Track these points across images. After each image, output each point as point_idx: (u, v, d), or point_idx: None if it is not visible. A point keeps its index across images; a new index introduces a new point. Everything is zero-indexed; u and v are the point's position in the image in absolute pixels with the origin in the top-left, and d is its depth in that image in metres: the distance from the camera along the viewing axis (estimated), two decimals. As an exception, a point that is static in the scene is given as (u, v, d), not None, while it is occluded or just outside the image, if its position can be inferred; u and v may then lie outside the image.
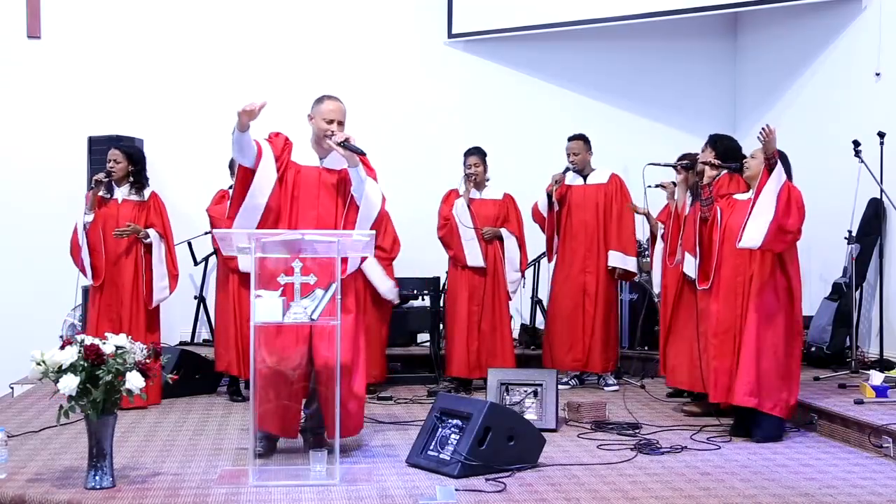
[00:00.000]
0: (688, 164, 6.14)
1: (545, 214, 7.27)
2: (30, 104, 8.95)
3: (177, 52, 9.14)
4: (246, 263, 6.42)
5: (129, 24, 9.10)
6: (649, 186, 6.34)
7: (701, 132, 6.81)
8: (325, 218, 4.86)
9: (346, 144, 4.74)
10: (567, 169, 7.26)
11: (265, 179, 4.80)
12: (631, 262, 7.23)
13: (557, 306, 7.33)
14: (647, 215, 6.80)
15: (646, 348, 8.14)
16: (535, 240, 7.54)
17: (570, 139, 7.33)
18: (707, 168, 5.63)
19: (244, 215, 4.80)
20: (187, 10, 9.22)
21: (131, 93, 9.03)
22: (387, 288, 7.01)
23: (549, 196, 7.22)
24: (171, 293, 6.62)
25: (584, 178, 7.34)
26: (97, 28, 9.05)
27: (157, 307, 6.59)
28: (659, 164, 6.23)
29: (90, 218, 6.38)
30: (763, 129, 5.09)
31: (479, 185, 7.16)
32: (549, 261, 7.43)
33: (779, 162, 5.09)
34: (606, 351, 7.23)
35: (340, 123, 4.88)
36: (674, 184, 6.57)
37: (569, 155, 7.29)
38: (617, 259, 7.20)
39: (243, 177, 4.82)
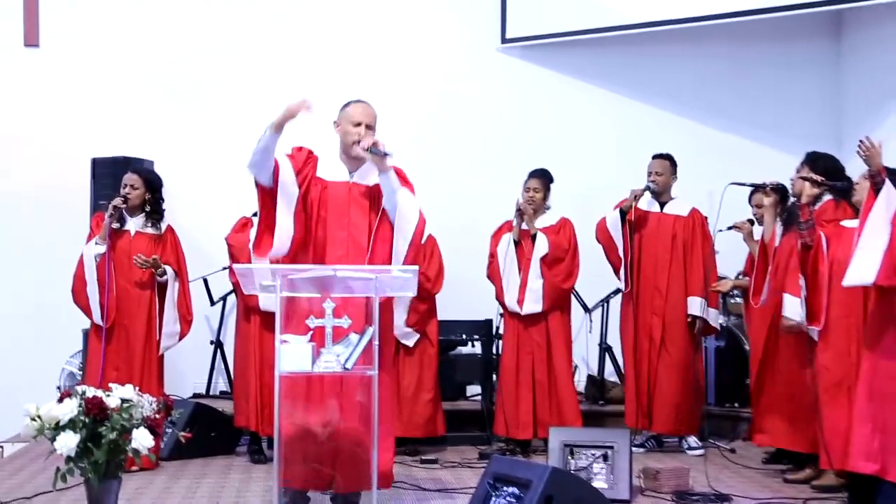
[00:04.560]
0: (780, 186, 6.08)
1: (614, 234, 7.21)
2: (25, 121, 9.09)
3: (191, 62, 9.26)
4: (268, 300, 6.47)
5: (136, 31, 9.25)
6: (720, 230, 6.30)
7: (797, 151, 6.74)
8: (356, 240, 4.89)
9: (373, 150, 4.79)
10: (647, 188, 7.21)
11: (287, 197, 4.85)
12: (713, 314, 7.17)
13: (624, 352, 7.30)
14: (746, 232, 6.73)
15: (735, 405, 8.03)
16: (604, 272, 7.48)
17: (654, 157, 7.30)
18: (806, 185, 5.54)
19: (277, 246, 4.85)
20: (203, 15, 9.34)
21: (140, 109, 9.16)
22: (399, 322, 6.88)
23: (623, 213, 7.17)
24: (180, 340, 6.68)
25: (662, 205, 7.29)
26: (101, 36, 9.20)
27: (162, 356, 6.65)
28: (744, 185, 6.17)
29: (102, 249, 6.43)
30: (862, 142, 4.92)
31: (537, 212, 7.14)
32: (626, 287, 7.30)
33: (887, 181, 4.90)
34: (677, 408, 7.13)
35: (369, 127, 4.92)
36: (751, 222, 6.53)
37: (650, 174, 7.25)
38: (697, 307, 7.12)
39: (262, 198, 4.88)
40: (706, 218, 7.25)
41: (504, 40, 9.58)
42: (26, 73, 9.15)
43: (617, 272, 7.29)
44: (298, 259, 4.90)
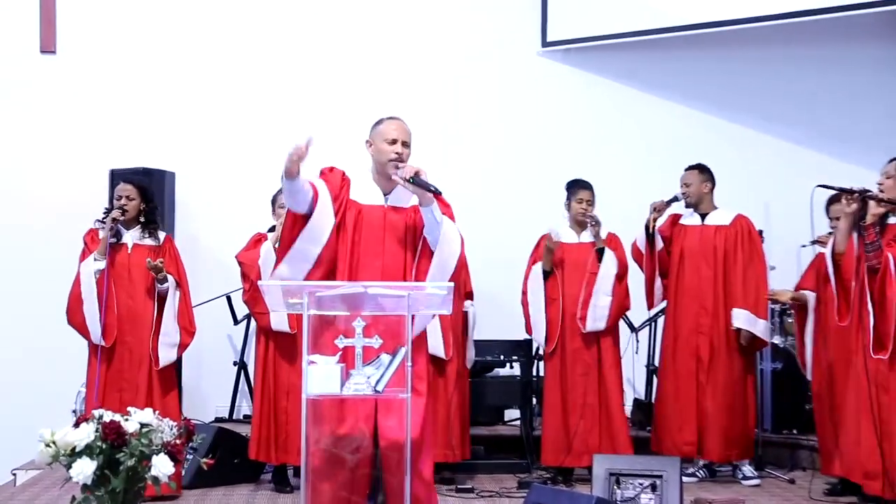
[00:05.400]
0: (870, 193, 5.95)
1: (644, 251, 7.25)
2: (41, 131, 9.19)
3: (215, 70, 9.34)
4: (280, 321, 6.49)
5: (157, 36, 9.33)
6: (803, 246, 6.22)
7: (859, 158, 6.70)
8: (391, 268, 4.87)
9: (416, 180, 4.75)
10: (674, 199, 7.22)
11: (321, 227, 4.84)
12: (761, 325, 7.09)
13: (666, 374, 7.25)
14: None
15: (794, 431, 7.95)
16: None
17: (686, 169, 7.35)
18: (871, 204, 5.48)
19: (291, 265, 4.84)
20: (228, 22, 9.42)
21: (161, 118, 9.24)
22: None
23: (648, 229, 7.17)
24: (181, 352, 6.69)
25: (702, 217, 7.26)
26: (120, 42, 9.29)
27: (173, 369, 6.66)
28: (832, 188, 6.07)
29: (101, 265, 6.46)
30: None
31: (582, 224, 7.13)
32: (649, 307, 7.35)
33: None
34: (731, 434, 7.07)
35: (405, 144, 4.91)
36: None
37: (682, 186, 7.29)
38: (743, 319, 7.05)
39: (293, 224, 4.87)
40: (752, 224, 7.21)
41: (545, 43, 9.60)
42: (42, 81, 9.24)
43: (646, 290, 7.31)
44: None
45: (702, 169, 7.30)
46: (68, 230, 8.79)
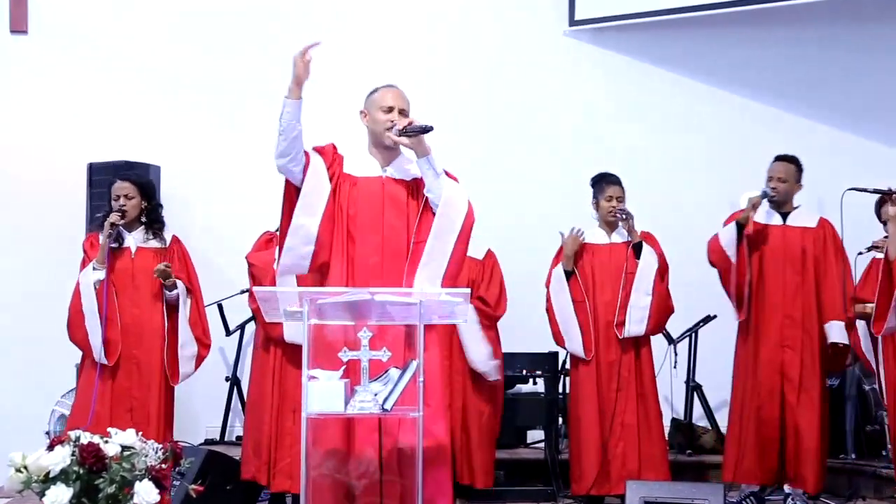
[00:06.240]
0: None
1: (730, 253, 7.06)
2: (11, 119, 9.16)
3: (202, 53, 9.34)
4: (294, 332, 6.48)
5: (139, 14, 9.32)
6: (860, 253, 6.20)
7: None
8: (392, 243, 4.92)
9: (408, 130, 4.84)
10: (764, 194, 7.05)
11: (316, 193, 4.90)
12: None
13: (744, 393, 7.13)
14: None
15: (853, 456, 7.93)
16: (691, 297, 7.40)
17: (777, 159, 7.13)
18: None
19: (291, 254, 4.89)
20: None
21: (143, 106, 9.23)
22: (482, 356, 6.98)
23: (740, 227, 7.09)
24: (197, 367, 6.72)
25: (784, 216, 7.14)
26: (99, 21, 9.28)
27: (172, 394, 6.69)
28: (866, 190, 6.07)
29: (101, 275, 6.48)
30: None
31: (613, 224, 7.11)
32: (742, 316, 7.12)
33: None
34: (824, 459, 7.00)
35: (403, 112, 4.97)
36: None
37: (770, 179, 7.07)
38: (839, 333, 6.92)
39: (290, 201, 4.92)
40: (836, 230, 7.09)
41: (572, 22, 9.60)
42: (12, 63, 9.24)
43: (732, 297, 7.14)
44: (324, 272, 4.94)
45: (796, 163, 7.12)
46: (41, 230, 8.85)
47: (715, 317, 8.14)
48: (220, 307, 8.68)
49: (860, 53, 9.52)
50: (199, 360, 6.70)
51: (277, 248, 5.13)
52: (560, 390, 7.83)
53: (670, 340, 8.49)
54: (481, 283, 7.04)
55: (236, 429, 8.89)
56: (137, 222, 6.68)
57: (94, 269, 6.47)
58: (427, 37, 9.50)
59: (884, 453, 7.62)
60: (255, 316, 7.05)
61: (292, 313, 4.56)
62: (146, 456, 4.29)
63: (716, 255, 7.06)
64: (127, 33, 9.30)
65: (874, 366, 6.72)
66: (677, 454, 8.13)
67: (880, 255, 6.40)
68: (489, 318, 7.05)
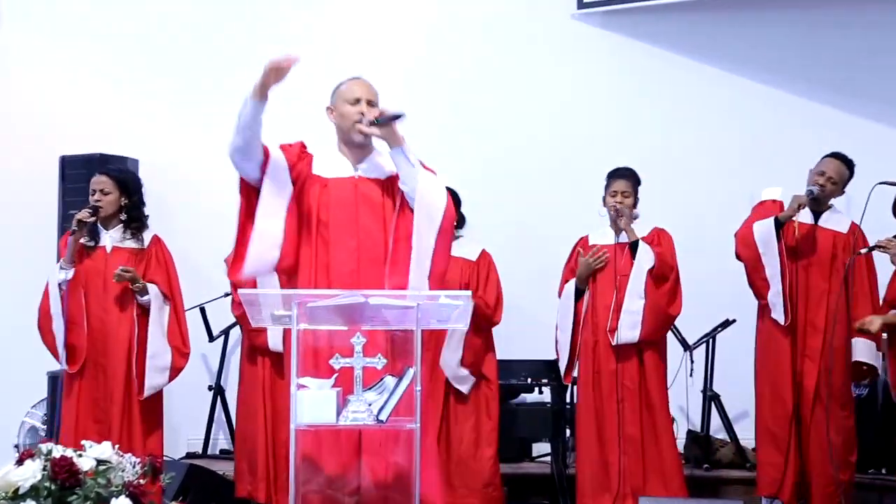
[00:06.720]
0: None
1: (765, 250, 6.88)
2: (-21, 110, 9.19)
3: (184, 39, 9.36)
4: (279, 339, 6.46)
5: (114, 1, 9.33)
6: (858, 253, 6.19)
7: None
8: (369, 247, 4.90)
9: (379, 120, 4.83)
10: (810, 193, 6.94)
11: (275, 194, 4.88)
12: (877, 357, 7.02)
13: (764, 402, 7.12)
14: None
15: (883, 471, 7.93)
16: (709, 300, 7.35)
17: (828, 156, 7.04)
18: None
19: (256, 256, 4.86)
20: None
21: (120, 95, 9.26)
22: (451, 363, 6.95)
23: (780, 225, 6.94)
24: (173, 377, 6.66)
25: (816, 216, 7.07)
26: (72, 8, 9.29)
27: (160, 401, 6.63)
28: (895, 185, 6.04)
29: (69, 275, 6.45)
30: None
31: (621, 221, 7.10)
32: (786, 320, 6.98)
33: None
34: (834, 480, 6.96)
35: (371, 104, 4.96)
36: None
37: (819, 175, 6.93)
38: (868, 352, 6.90)
39: (247, 201, 4.93)
40: (865, 236, 7.00)
41: (581, 4, 9.59)
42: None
43: (763, 298, 7.04)
44: (294, 281, 4.92)
45: (851, 167, 7.00)
46: (9, 228, 8.87)
47: (734, 321, 8.08)
48: (203, 310, 8.68)
49: (875, 39, 9.45)
50: (175, 371, 6.63)
51: (234, 249, 5.08)
52: (567, 400, 7.79)
53: (686, 347, 8.45)
54: (476, 285, 7.03)
55: (220, 442, 8.89)
56: (116, 219, 6.64)
57: (61, 268, 6.43)
58: (431, 22, 9.49)
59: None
60: (240, 322, 7.03)
61: (279, 317, 4.53)
62: (123, 471, 4.26)
63: (746, 249, 6.97)
64: (101, 19, 9.32)
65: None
66: (693, 468, 8.11)
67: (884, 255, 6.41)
68: (486, 321, 7.02)
